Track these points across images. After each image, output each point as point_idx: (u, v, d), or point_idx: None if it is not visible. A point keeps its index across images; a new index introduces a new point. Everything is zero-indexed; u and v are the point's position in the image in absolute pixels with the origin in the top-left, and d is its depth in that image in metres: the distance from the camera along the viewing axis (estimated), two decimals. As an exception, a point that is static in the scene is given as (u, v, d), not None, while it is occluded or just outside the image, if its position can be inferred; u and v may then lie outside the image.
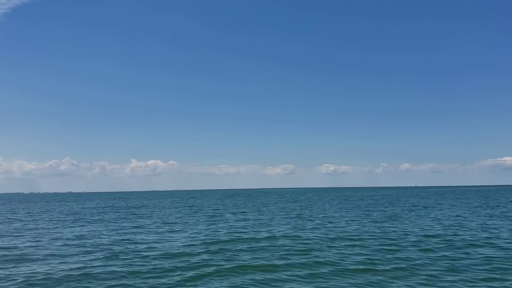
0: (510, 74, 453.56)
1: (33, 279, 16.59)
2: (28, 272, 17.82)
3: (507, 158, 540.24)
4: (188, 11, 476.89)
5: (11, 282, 16.14)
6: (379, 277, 16.32)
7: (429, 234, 27.98)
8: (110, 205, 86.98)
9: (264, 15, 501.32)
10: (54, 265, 19.23)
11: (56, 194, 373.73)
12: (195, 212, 57.10)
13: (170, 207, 73.61)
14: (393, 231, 29.69)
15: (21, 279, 16.55)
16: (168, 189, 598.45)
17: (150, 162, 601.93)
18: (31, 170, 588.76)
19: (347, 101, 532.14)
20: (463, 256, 20.25)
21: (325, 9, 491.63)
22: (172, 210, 62.03)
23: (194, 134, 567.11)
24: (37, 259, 20.69)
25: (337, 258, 19.98)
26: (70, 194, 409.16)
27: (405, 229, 31.24)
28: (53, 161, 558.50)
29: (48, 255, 21.83)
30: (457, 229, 30.67)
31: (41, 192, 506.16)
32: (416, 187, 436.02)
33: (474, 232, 28.82)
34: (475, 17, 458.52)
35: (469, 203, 71.40)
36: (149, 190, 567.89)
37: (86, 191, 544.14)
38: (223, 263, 19.19)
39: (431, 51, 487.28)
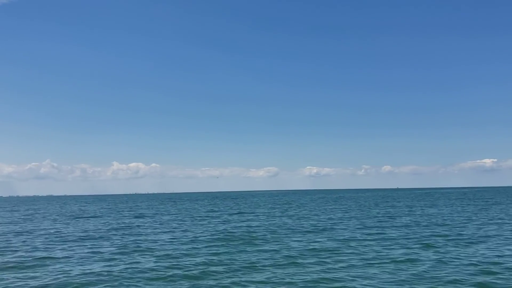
0: (489, 79, 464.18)
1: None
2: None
3: (487, 160, 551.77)
4: (174, 5, 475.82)
5: None
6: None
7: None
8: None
9: (252, 11, 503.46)
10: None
11: (36, 198, 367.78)
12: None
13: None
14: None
15: None
16: (150, 192, 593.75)
17: (132, 164, 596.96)
18: (10, 173, 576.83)
19: (330, 104, 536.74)
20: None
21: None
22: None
23: (177, 136, 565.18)
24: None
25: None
26: (51, 197, 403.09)
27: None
28: (33, 163, 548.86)
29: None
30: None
31: (20, 196, 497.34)
32: (398, 189, 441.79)
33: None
34: (448, 10, 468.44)
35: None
36: (131, 193, 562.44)
37: (67, 194, 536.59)
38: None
39: (410, 53, 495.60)
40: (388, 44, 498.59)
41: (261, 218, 45.36)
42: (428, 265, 17.86)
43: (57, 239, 28.79)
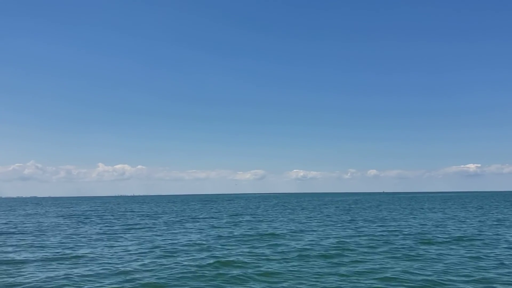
0: (475, 85, 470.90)
1: None
2: None
3: (471, 165, 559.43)
4: (162, 6, 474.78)
5: None
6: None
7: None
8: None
9: (245, 14, 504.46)
10: None
11: (19, 199, 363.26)
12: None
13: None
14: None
15: None
16: (136, 194, 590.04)
17: (118, 166, 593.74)
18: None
19: (317, 108, 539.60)
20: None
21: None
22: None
23: (163, 138, 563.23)
24: None
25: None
26: (35, 198, 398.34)
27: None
28: (17, 164, 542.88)
29: None
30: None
31: (3, 197, 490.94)
32: (383, 193, 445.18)
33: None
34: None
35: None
36: (117, 195, 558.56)
37: (51, 195, 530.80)
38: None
39: (398, 58, 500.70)
40: (377, 49, 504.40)
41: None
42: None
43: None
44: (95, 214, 63.00)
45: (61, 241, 27.86)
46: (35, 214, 66.42)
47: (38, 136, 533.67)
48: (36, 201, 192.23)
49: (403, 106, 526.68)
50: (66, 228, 38.09)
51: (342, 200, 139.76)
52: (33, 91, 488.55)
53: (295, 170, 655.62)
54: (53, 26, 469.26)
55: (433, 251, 22.67)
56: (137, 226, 39.03)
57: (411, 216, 51.29)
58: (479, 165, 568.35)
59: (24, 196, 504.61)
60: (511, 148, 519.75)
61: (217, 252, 22.75)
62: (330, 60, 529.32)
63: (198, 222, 44.27)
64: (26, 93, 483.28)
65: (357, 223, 40.82)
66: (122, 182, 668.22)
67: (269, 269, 18.23)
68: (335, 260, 20.15)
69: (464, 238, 27.78)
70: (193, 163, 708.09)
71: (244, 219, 47.56)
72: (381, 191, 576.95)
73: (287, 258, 20.70)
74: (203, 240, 27.72)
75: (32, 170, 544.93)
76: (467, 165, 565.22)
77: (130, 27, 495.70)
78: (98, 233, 32.78)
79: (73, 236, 30.74)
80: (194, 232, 33.04)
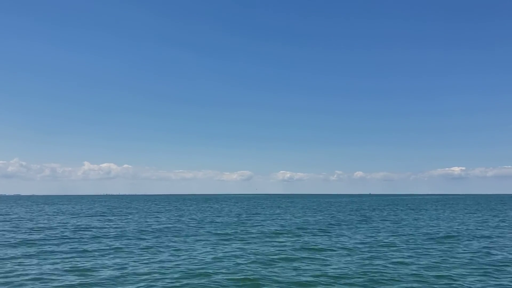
0: (460, 88, 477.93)
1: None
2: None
3: (455, 168, 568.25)
4: (149, 7, 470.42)
5: None
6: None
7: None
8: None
9: (235, 18, 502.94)
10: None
11: (2, 197, 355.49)
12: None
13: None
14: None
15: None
16: (122, 193, 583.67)
17: (104, 165, 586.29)
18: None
19: (303, 110, 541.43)
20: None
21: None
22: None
23: (150, 138, 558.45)
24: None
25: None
26: (18, 196, 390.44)
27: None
28: (0, 162, 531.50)
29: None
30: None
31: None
32: (370, 195, 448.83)
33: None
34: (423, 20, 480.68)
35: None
36: (103, 194, 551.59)
37: (35, 194, 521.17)
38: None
39: (383, 63, 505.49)
40: (363, 54, 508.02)
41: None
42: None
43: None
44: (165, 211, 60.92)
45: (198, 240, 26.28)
46: (61, 212, 63.45)
47: (23, 134, 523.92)
48: (27, 200, 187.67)
49: (390, 109, 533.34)
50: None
51: (347, 201, 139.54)
52: (18, 89, 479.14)
53: (281, 172, 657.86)
54: (39, 25, 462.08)
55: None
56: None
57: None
58: (463, 168, 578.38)
59: (7, 194, 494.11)
60: (495, 152, 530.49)
61: None
62: (317, 64, 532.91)
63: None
64: (10, 92, 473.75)
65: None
66: (108, 181, 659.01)
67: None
68: None
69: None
70: (180, 163, 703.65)
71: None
72: (368, 193, 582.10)
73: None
74: None
75: (16, 167, 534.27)
76: (452, 168, 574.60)
77: (117, 26, 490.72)
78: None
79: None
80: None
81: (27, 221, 46.96)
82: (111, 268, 19.10)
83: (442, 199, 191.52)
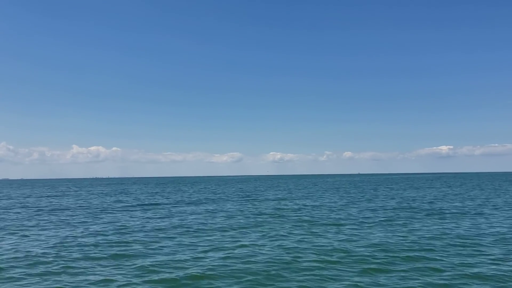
0: (448, 68, 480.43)
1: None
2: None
3: (443, 147, 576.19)
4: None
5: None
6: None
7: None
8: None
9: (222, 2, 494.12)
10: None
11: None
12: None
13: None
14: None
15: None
16: (111, 176, 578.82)
17: (93, 148, 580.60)
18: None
19: (292, 90, 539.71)
20: None
21: None
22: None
23: (138, 119, 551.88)
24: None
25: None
26: (7, 181, 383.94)
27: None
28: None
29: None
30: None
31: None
32: (359, 174, 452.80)
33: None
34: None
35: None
36: (91, 177, 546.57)
37: (24, 177, 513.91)
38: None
39: (374, 42, 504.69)
40: (350, 34, 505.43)
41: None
42: None
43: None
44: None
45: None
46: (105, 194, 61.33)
47: (9, 118, 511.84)
48: (22, 184, 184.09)
49: (377, 89, 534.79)
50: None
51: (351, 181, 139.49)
52: (6, 74, 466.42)
53: (272, 153, 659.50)
54: (26, 13, 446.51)
55: None
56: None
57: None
58: (451, 146, 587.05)
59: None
60: (482, 130, 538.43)
61: None
62: (305, 45, 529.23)
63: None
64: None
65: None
66: (97, 164, 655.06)
67: None
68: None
69: None
70: (170, 145, 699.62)
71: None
72: (357, 173, 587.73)
73: None
74: None
75: (3, 151, 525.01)
76: (440, 147, 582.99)
77: (104, 13, 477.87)
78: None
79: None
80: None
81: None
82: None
83: (437, 177, 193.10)
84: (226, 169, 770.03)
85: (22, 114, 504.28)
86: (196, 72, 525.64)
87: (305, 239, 20.42)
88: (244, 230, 23.86)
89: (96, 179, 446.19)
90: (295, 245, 18.86)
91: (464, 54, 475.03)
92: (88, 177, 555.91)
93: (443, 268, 14.37)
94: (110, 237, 21.58)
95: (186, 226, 25.66)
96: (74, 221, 29.38)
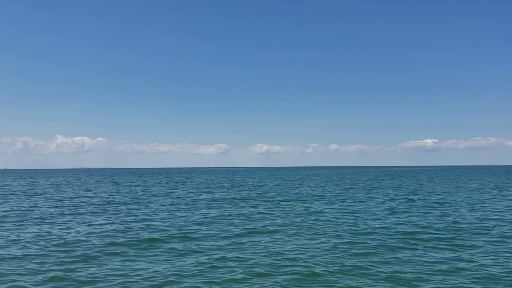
0: (433, 61, 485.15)
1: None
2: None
3: (428, 140, 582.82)
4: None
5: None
6: None
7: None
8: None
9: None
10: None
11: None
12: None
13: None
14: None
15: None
16: (96, 167, 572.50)
17: (77, 138, 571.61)
18: None
19: (278, 82, 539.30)
20: None
21: None
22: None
23: (124, 110, 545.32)
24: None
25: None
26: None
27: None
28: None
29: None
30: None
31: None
32: (345, 167, 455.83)
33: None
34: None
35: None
36: (76, 167, 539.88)
37: (7, 168, 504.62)
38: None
39: (359, 35, 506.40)
40: (336, 26, 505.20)
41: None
42: None
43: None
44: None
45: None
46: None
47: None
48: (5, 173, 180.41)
49: (363, 81, 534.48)
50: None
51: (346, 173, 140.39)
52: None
53: (258, 145, 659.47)
54: (9, 1, 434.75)
55: None
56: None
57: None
58: (436, 140, 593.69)
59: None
60: (467, 124, 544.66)
61: None
62: (291, 37, 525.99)
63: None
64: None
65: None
66: (81, 154, 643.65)
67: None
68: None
69: None
70: (155, 136, 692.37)
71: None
72: (343, 165, 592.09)
73: None
74: None
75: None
76: (425, 140, 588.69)
77: (90, 3, 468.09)
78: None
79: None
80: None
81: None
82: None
83: (433, 170, 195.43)
84: (212, 161, 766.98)
85: (5, 103, 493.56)
86: (182, 63, 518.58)
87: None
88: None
89: (81, 169, 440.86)
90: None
91: (449, 47, 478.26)
92: (72, 167, 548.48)
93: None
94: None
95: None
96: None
